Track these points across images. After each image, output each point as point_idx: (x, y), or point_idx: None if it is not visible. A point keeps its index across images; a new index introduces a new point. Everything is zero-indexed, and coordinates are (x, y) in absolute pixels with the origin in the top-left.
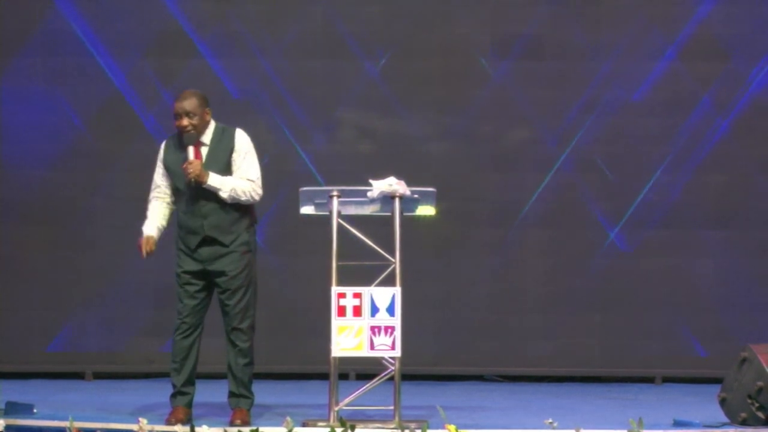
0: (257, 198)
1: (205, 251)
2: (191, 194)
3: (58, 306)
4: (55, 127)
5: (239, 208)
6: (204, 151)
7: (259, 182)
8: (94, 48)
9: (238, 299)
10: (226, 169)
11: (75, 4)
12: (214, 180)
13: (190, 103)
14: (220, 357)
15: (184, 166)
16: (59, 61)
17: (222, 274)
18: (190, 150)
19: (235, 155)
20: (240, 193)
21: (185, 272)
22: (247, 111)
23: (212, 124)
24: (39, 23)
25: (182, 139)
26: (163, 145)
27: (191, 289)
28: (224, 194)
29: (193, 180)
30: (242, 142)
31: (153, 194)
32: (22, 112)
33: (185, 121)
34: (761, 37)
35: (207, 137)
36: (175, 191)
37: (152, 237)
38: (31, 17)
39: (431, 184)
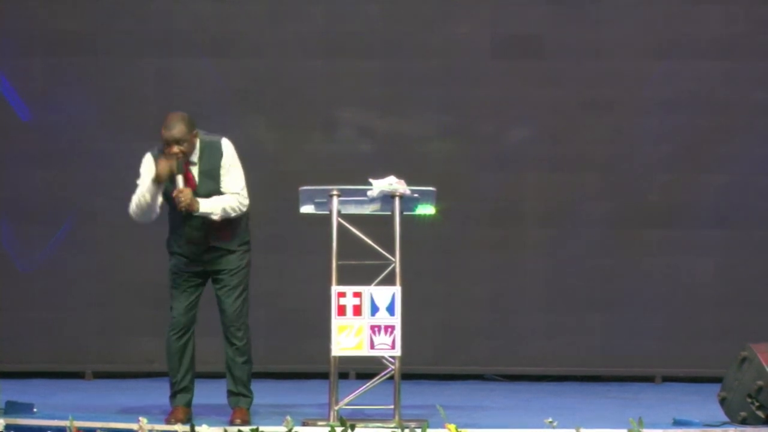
0: (244, 208)
1: (207, 256)
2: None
3: (58, 306)
4: (55, 127)
5: (236, 218)
6: (194, 170)
7: (244, 192)
8: (93, 48)
9: (235, 297)
10: (218, 183)
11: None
12: (204, 207)
13: (179, 131)
14: (219, 357)
15: (175, 195)
16: (60, 61)
17: (221, 271)
18: (180, 179)
19: (223, 169)
20: (229, 210)
21: (183, 271)
22: (247, 111)
23: (197, 141)
24: (41, 21)
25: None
26: (149, 158)
27: (186, 284)
28: (216, 216)
29: (184, 210)
30: (227, 154)
31: None
32: (23, 112)
33: (175, 149)
34: (761, 36)
35: (194, 155)
36: (172, 207)
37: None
38: (35, 15)
39: (431, 184)
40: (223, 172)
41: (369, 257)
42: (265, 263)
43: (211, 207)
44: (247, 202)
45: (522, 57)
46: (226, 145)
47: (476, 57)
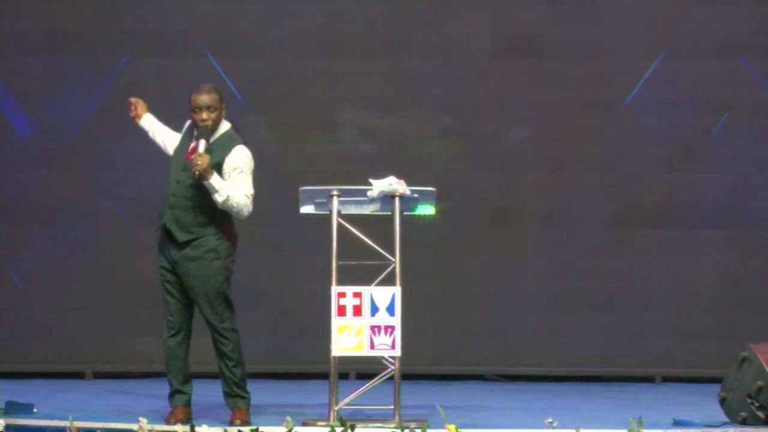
0: (246, 215)
1: (175, 254)
2: (173, 182)
3: (58, 306)
4: (55, 127)
5: (208, 215)
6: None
7: (251, 200)
8: (93, 48)
9: (210, 306)
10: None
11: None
12: (215, 180)
13: (211, 98)
14: None
15: (193, 156)
16: (60, 61)
17: (189, 279)
18: (202, 143)
19: (226, 167)
20: (234, 203)
21: (161, 267)
22: (247, 111)
23: (224, 126)
24: (41, 21)
25: (192, 131)
26: (186, 126)
27: (169, 287)
28: (219, 198)
29: (196, 173)
30: (236, 158)
31: None
32: (22, 112)
33: (205, 115)
34: (761, 36)
35: (213, 137)
36: (166, 175)
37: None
38: (35, 15)
39: (431, 184)
40: (234, 173)
41: (369, 257)
42: (265, 263)
43: (220, 185)
44: (251, 209)
45: (522, 57)
46: (239, 151)
47: (476, 57)
